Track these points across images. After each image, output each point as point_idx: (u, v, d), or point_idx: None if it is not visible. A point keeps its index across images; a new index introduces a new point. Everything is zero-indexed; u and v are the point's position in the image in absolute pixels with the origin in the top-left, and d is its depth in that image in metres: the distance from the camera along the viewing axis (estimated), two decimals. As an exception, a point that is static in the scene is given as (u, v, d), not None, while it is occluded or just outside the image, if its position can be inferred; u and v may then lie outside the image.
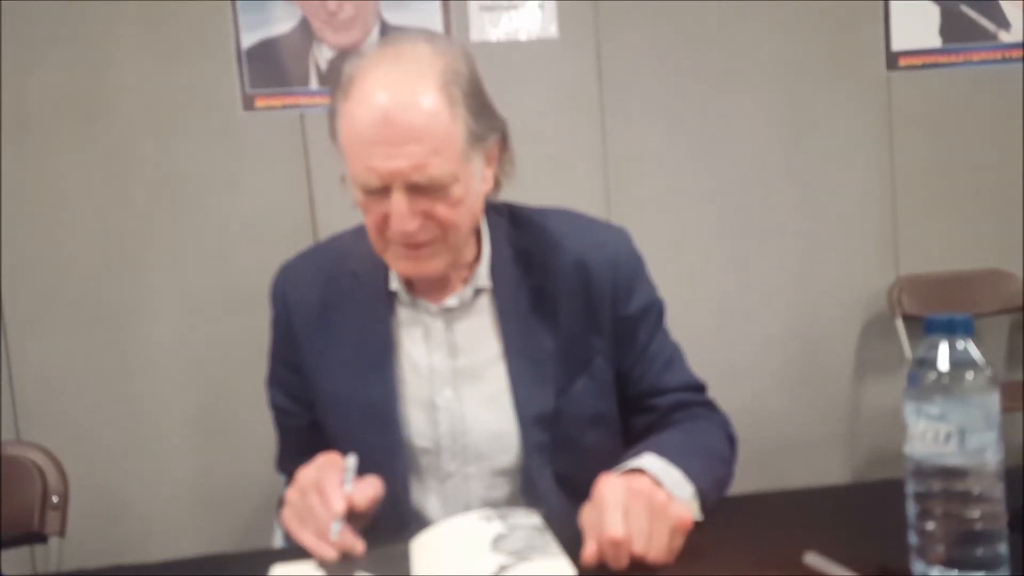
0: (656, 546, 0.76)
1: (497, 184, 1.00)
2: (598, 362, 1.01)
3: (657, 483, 0.82)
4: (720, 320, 2.22)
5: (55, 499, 1.26)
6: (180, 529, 2.01)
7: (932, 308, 2.15)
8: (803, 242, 2.26)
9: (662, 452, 0.88)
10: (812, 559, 0.73)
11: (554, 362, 0.99)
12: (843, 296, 2.29)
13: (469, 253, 1.00)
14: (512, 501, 0.99)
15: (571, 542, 0.80)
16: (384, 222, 0.90)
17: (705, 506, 0.87)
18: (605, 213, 2.13)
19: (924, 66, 2.24)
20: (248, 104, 2.02)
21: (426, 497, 1.00)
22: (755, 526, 0.85)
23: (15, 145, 1.95)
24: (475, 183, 0.94)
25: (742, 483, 0.97)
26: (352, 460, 0.89)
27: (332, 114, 0.95)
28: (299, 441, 1.06)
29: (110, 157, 1.98)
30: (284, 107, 2.03)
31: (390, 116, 0.87)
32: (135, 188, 1.99)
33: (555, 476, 0.98)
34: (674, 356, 1.06)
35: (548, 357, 0.98)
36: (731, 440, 1.03)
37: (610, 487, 0.79)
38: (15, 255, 1.96)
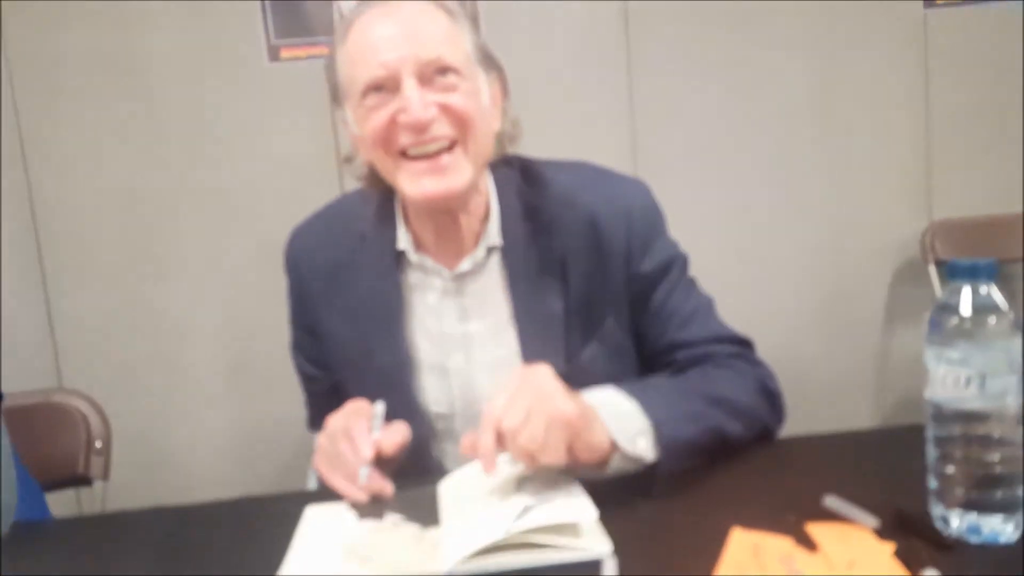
0: (530, 433, 0.74)
1: (502, 142, 0.98)
2: (610, 325, 0.97)
3: (565, 389, 0.78)
4: (750, 267, 2.20)
5: (98, 444, 1.32)
6: (219, 475, 2.07)
7: (965, 253, 2.11)
8: (835, 188, 2.21)
9: (630, 390, 0.84)
10: (832, 502, 0.74)
11: (564, 326, 0.95)
12: (875, 241, 2.25)
13: (480, 208, 0.97)
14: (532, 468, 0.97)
15: (591, 482, 0.82)
16: (392, 126, 0.87)
17: (679, 449, 0.82)
18: (631, 166, 2.10)
19: (963, 2, 2.15)
20: (273, 55, 2.01)
21: (444, 460, 1.00)
22: (777, 470, 0.86)
23: (45, 99, 1.96)
24: (484, 99, 0.92)
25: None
26: (380, 407, 0.91)
27: (331, 67, 0.93)
28: (326, 404, 1.03)
29: (138, 111, 1.98)
30: (309, 57, 2.02)
31: (395, 15, 0.87)
32: (163, 142, 2.00)
33: None
34: (699, 310, 1.00)
35: (557, 321, 0.95)
36: (765, 393, 0.95)
37: (513, 374, 0.79)
38: (51, 209, 2.00)
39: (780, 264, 2.22)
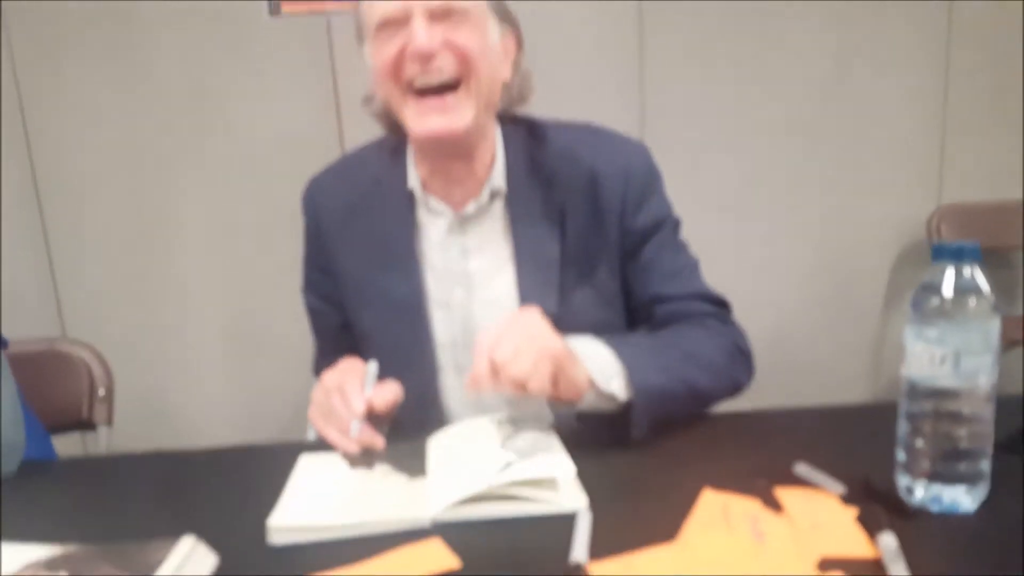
0: (520, 361, 0.79)
1: (512, 96, 1.03)
2: (602, 272, 1.03)
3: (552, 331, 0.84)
4: (754, 243, 2.21)
5: (101, 392, 1.35)
6: (219, 430, 2.12)
7: (971, 238, 2.11)
8: (845, 166, 2.21)
9: (608, 341, 0.90)
10: (801, 469, 0.76)
11: (559, 269, 1.01)
12: (882, 222, 2.25)
13: (486, 156, 1.03)
14: (520, 396, 1.03)
15: (574, 434, 0.87)
16: (400, 59, 0.92)
17: (650, 394, 0.87)
18: (639, 134, 2.11)
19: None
20: (274, 9, 2.00)
21: (448, 387, 1.06)
22: (753, 437, 0.89)
23: (45, 59, 1.97)
24: (495, 46, 0.96)
25: (758, 403, 0.98)
26: (373, 366, 0.94)
27: (359, 9, 0.99)
28: (333, 341, 1.13)
29: (136, 66, 1.98)
30: (310, 13, 2.01)
31: None
32: (162, 96, 2.00)
33: None
34: (684, 268, 1.06)
35: (554, 264, 1.01)
36: (736, 351, 1.01)
37: (505, 315, 0.86)
38: (50, 164, 2.01)
39: (783, 241, 2.23)
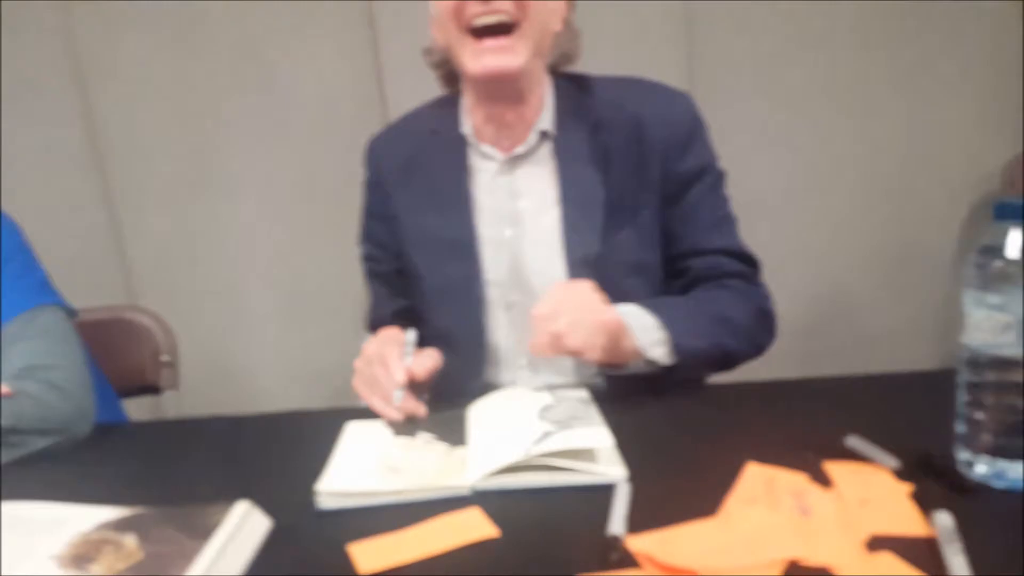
0: (577, 333, 0.88)
1: (563, 53, 1.08)
2: (644, 214, 1.06)
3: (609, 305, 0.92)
4: (813, 196, 2.12)
5: (165, 357, 1.41)
6: (280, 390, 2.19)
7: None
8: (911, 112, 2.08)
9: (650, 306, 0.96)
10: (853, 442, 0.74)
11: (603, 210, 1.04)
12: (952, 173, 2.12)
13: (536, 102, 1.07)
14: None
15: (616, 401, 0.87)
16: (462, 1, 0.96)
17: (688, 359, 0.94)
18: (687, 80, 2.03)
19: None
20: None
21: (496, 324, 1.10)
22: (801, 408, 0.86)
23: (103, 26, 2.00)
24: None
25: (818, 370, 0.98)
26: (412, 334, 0.96)
27: None
28: (387, 286, 1.19)
29: (189, 35, 2.01)
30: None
31: None
32: (215, 65, 2.03)
33: None
34: (723, 222, 1.09)
35: (598, 205, 1.04)
36: (762, 314, 1.06)
37: (558, 285, 0.93)
38: (111, 132, 2.06)
39: (847, 197, 2.13)
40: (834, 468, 0.70)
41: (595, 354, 0.88)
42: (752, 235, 1.11)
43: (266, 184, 2.10)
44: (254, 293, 2.16)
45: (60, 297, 1.09)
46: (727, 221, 1.09)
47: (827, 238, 2.14)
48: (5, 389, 0.93)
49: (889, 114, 2.09)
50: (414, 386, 0.91)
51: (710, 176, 1.07)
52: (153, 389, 1.42)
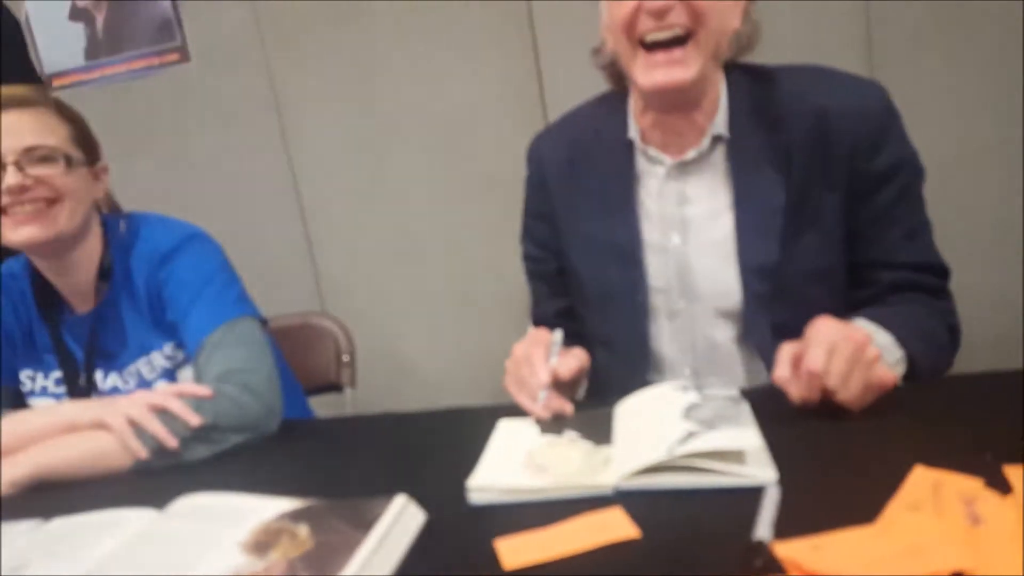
0: (849, 392, 0.79)
1: (740, 45, 1.02)
2: (829, 217, 0.99)
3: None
4: (992, 169, 1.87)
5: (345, 358, 1.54)
6: (448, 386, 2.30)
7: None
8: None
9: (876, 319, 0.89)
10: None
11: (783, 215, 0.98)
12: None
13: (709, 106, 1.02)
14: (735, 342, 1.04)
15: (771, 400, 0.83)
16: (635, 14, 0.94)
17: (911, 379, 0.89)
18: (867, 69, 1.87)
19: None
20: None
21: (660, 332, 1.07)
22: (979, 405, 0.78)
23: (295, 61, 2.20)
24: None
25: (974, 363, 0.89)
26: (558, 334, 0.98)
27: None
28: (548, 286, 1.19)
29: (366, 59, 2.15)
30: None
31: None
32: (384, 72, 2.16)
33: (773, 325, 1.00)
34: (919, 230, 1.01)
35: (777, 210, 0.98)
36: (952, 330, 1.01)
37: (826, 325, 0.82)
38: (303, 156, 2.27)
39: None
40: (1015, 473, 0.63)
41: (859, 407, 0.81)
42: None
43: (436, 188, 2.21)
44: (428, 293, 2.28)
45: (255, 308, 1.22)
46: (923, 229, 1.01)
47: (1006, 232, 1.88)
48: (207, 391, 1.05)
49: None
50: (562, 385, 0.93)
51: (906, 175, 0.98)
52: (336, 387, 1.56)
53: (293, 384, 1.40)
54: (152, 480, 0.97)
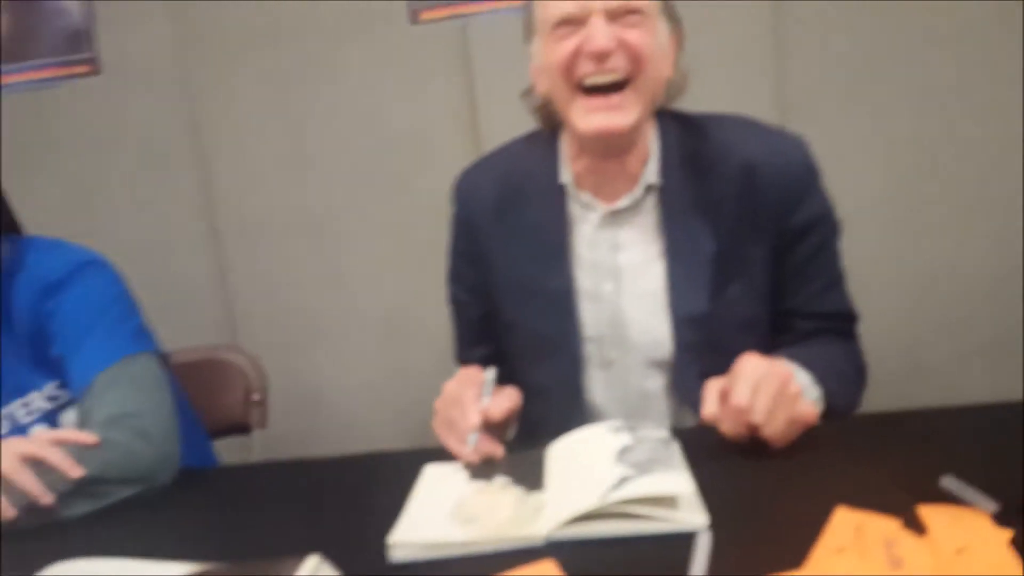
0: (773, 427, 0.81)
1: (670, 93, 1.04)
2: (756, 268, 1.01)
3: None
4: (915, 219, 2.00)
5: (256, 396, 1.46)
6: (369, 426, 2.22)
7: None
8: (1016, 134, 1.95)
9: (795, 358, 0.91)
10: (949, 483, 0.70)
11: (712, 265, 1.00)
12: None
13: (642, 152, 1.03)
14: (666, 392, 1.05)
15: (701, 441, 0.84)
16: (574, 57, 0.95)
17: (827, 417, 0.90)
18: (776, 109, 1.97)
19: None
20: (414, 18, 2.06)
21: (593, 382, 1.06)
22: (892, 446, 0.82)
23: (216, 80, 2.11)
24: (661, 46, 0.98)
25: (924, 400, 0.93)
26: (491, 374, 0.96)
27: (528, 8, 1.03)
28: (474, 331, 1.16)
29: (292, 79, 2.09)
30: (449, 18, 2.04)
31: None
32: (310, 102, 2.10)
33: (703, 375, 1.00)
34: (836, 283, 1.05)
35: (707, 260, 1.00)
36: (860, 371, 1.04)
37: (750, 362, 0.84)
38: (221, 180, 2.17)
39: (947, 217, 2.00)
40: (928, 513, 0.66)
41: (783, 444, 0.83)
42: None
43: (362, 217, 2.15)
44: (351, 327, 2.21)
45: (154, 343, 1.13)
46: (839, 280, 1.06)
47: (915, 261, 2.01)
48: (92, 439, 0.95)
49: (981, 135, 1.97)
50: (492, 427, 0.91)
51: (824, 228, 1.03)
52: (244, 428, 1.47)
53: (195, 427, 1.31)
54: (21, 543, 0.85)
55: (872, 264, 1.85)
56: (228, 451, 1.50)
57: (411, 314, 2.16)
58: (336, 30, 2.06)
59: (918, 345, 2.02)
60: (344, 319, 2.20)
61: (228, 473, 1.13)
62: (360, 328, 2.20)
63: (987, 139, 1.96)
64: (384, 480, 0.92)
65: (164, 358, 1.14)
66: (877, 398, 1.07)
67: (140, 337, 1.12)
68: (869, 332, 1.12)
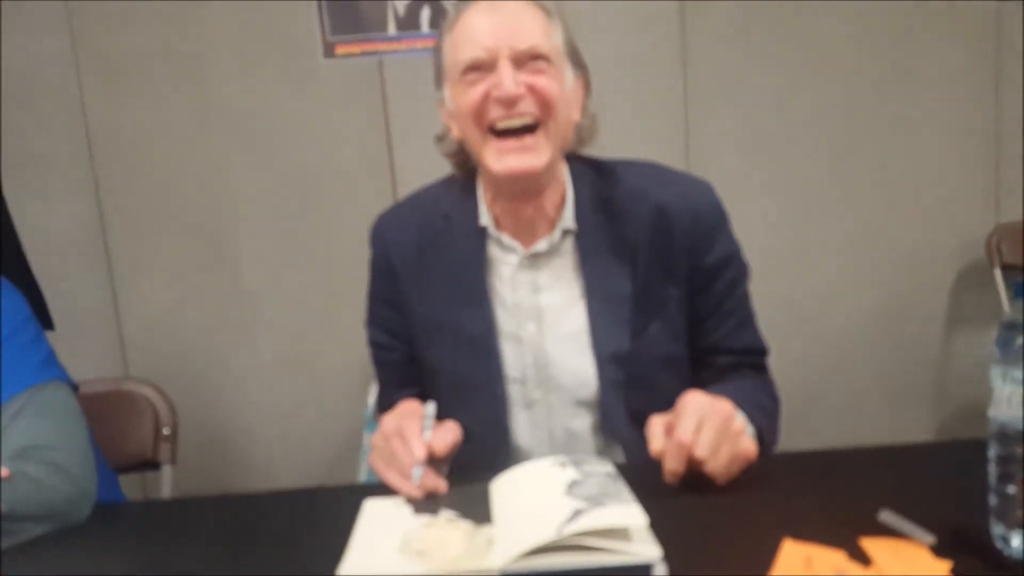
0: (716, 462, 0.83)
1: (580, 137, 1.07)
2: (672, 308, 1.05)
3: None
4: (806, 264, 2.15)
5: (166, 430, 1.37)
6: (275, 460, 2.13)
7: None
8: (897, 185, 2.15)
9: (724, 395, 0.92)
10: (887, 517, 0.73)
11: (631, 305, 1.03)
12: (938, 242, 2.18)
13: (556, 195, 1.05)
14: (592, 431, 1.06)
15: (642, 478, 0.85)
16: (484, 102, 0.96)
17: (762, 449, 0.92)
18: (683, 157, 2.08)
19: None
20: (328, 51, 2.05)
21: (517, 422, 1.06)
22: (832, 482, 0.85)
23: (113, 96, 2.02)
24: (568, 89, 1.01)
25: (821, 437, 0.98)
26: (431, 408, 0.94)
27: (437, 53, 1.04)
28: (397, 375, 1.14)
29: (197, 105, 2.03)
30: (363, 54, 2.04)
31: (499, 9, 0.97)
32: (221, 135, 2.05)
33: (629, 412, 1.03)
34: (748, 319, 1.10)
35: (625, 300, 1.03)
36: (777, 403, 1.09)
37: (694, 399, 0.86)
38: (116, 201, 2.06)
39: (836, 263, 2.17)
40: (871, 545, 0.69)
41: (726, 480, 0.85)
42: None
43: (271, 256, 2.09)
44: (255, 362, 2.12)
45: (64, 372, 1.06)
46: (751, 317, 1.10)
47: (820, 307, 2.16)
48: (4, 471, 0.89)
49: (879, 189, 2.15)
50: (434, 461, 0.89)
51: (735, 267, 1.07)
52: (151, 464, 1.38)
53: (101, 462, 1.22)
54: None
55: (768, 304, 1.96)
56: (128, 489, 1.39)
57: (323, 350, 2.10)
58: (244, 59, 2.03)
59: (808, 384, 2.14)
60: (249, 354, 2.12)
61: (149, 508, 1.06)
62: (265, 367, 2.12)
63: (876, 183, 2.13)
64: (320, 516, 0.88)
65: (75, 388, 1.07)
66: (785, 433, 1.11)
67: (50, 365, 1.05)
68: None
